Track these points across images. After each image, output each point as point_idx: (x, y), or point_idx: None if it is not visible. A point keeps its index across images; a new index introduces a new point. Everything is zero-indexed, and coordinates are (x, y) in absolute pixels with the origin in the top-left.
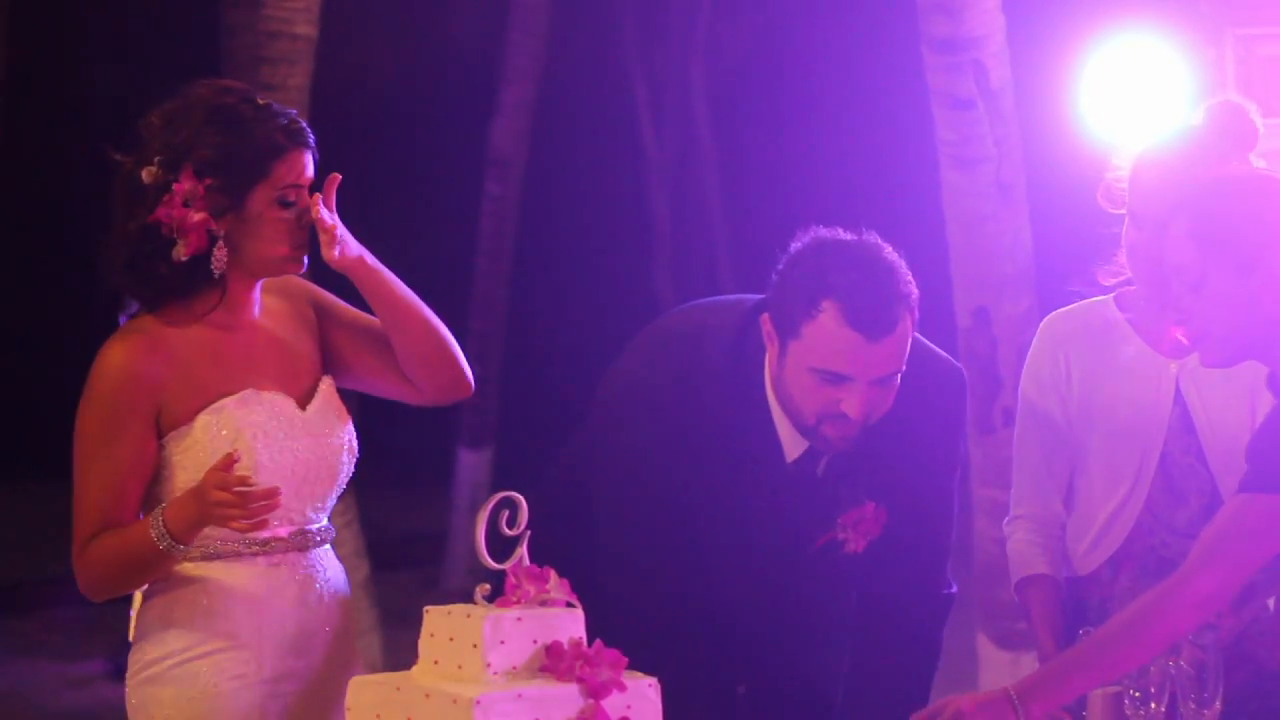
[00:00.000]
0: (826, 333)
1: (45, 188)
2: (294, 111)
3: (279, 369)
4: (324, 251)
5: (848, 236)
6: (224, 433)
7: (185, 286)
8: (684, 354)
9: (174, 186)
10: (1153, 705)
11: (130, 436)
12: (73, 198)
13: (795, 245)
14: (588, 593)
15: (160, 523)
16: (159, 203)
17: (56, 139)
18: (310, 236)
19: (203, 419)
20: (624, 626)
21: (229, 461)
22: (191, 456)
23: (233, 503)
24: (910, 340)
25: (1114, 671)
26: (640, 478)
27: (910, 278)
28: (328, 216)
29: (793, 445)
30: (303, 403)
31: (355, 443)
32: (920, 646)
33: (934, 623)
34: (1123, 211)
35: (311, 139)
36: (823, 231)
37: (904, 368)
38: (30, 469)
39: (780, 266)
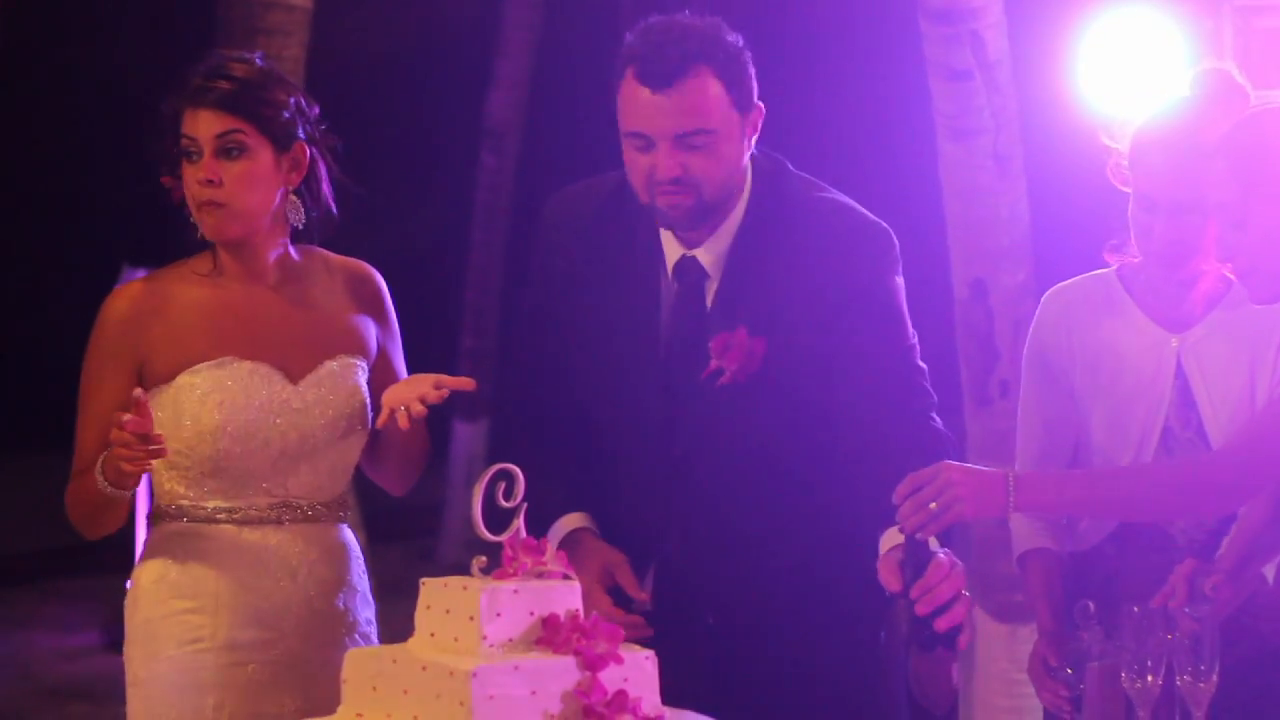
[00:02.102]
0: (626, 95)
1: (46, 162)
2: (222, 70)
3: (280, 341)
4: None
5: (661, 14)
6: (195, 395)
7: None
8: (580, 184)
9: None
10: (1149, 678)
11: (115, 378)
12: (73, 171)
13: None
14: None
15: (100, 467)
16: None
17: (54, 112)
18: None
19: (182, 379)
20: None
21: (134, 402)
22: (164, 414)
23: (124, 442)
24: (718, 100)
25: (1109, 501)
26: (537, 283)
27: (718, 38)
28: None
29: (671, 251)
30: (295, 377)
31: (366, 426)
32: (913, 444)
33: (929, 444)
34: (1129, 190)
35: (215, 98)
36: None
37: (712, 128)
38: (27, 441)
39: None
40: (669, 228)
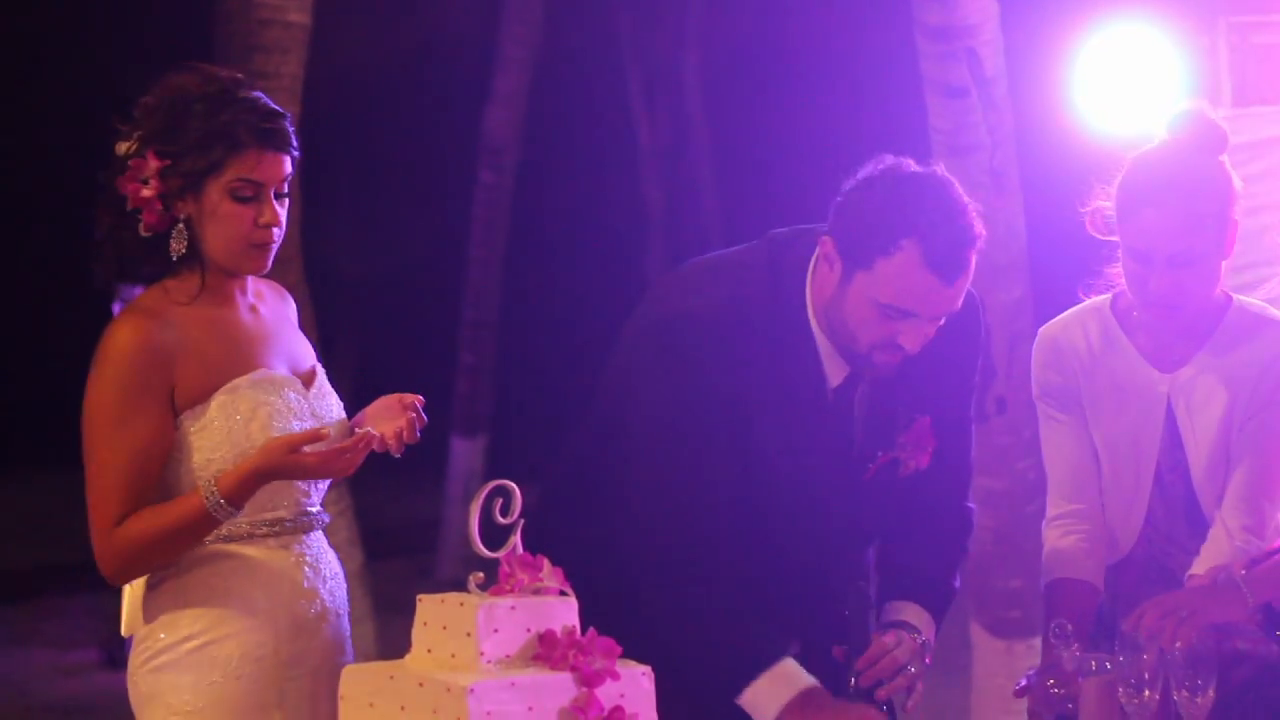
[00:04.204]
0: (902, 271)
1: (42, 178)
2: (279, 110)
3: (283, 350)
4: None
5: (921, 170)
6: (239, 413)
7: (154, 265)
8: (726, 284)
9: (131, 161)
10: (1146, 694)
11: (150, 412)
12: (69, 188)
13: (866, 173)
14: (600, 574)
15: (216, 496)
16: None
17: (49, 128)
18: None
19: (219, 399)
20: (663, 586)
21: (315, 436)
22: (206, 436)
23: (346, 457)
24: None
25: None
26: (690, 415)
27: (976, 216)
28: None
29: (835, 371)
30: (306, 384)
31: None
32: (946, 549)
33: (959, 531)
34: (1113, 239)
35: (285, 141)
36: (893, 161)
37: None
38: (26, 459)
39: (849, 192)
40: (863, 373)
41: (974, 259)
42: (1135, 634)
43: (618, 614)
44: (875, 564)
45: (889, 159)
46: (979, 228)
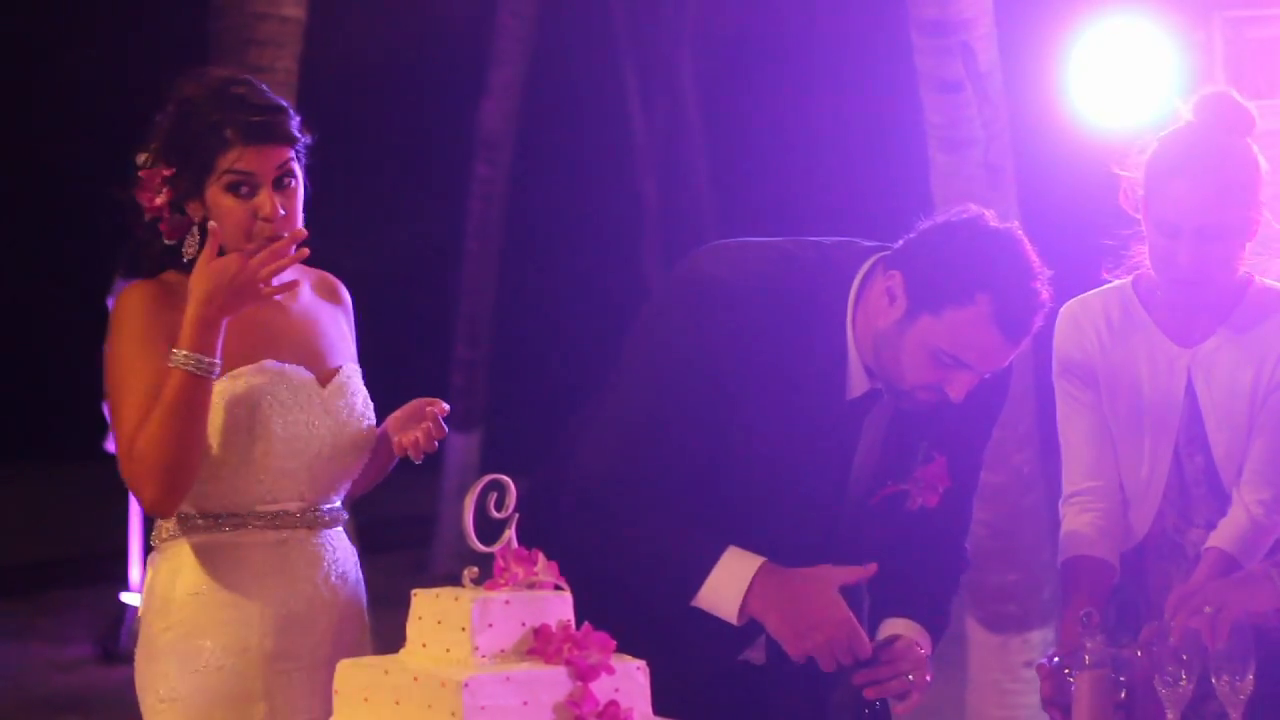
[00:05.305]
0: (970, 324)
1: (36, 174)
2: (274, 104)
3: (301, 344)
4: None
5: (1002, 226)
6: (241, 403)
7: (181, 268)
8: (771, 266)
9: (143, 173)
10: (1183, 683)
11: (164, 354)
12: (63, 184)
13: (946, 218)
14: (595, 566)
15: (181, 355)
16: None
17: (43, 123)
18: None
19: (220, 385)
20: (636, 563)
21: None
22: (210, 423)
23: (263, 262)
24: None
25: None
26: (701, 379)
27: (1046, 280)
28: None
29: (857, 383)
30: (323, 381)
31: (375, 432)
32: (941, 581)
33: (954, 567)
34: (1138, 217)
35: (272, 133)
36: (976, 212)
37: None
38: (23, 454)
39: (926, 233)
40: (900, 406)
41: (1039, 323)
42: (1168, 625)
43: (613, 605)
44: (870, 585)
45: (972, 209)
46: (1047, 293)
